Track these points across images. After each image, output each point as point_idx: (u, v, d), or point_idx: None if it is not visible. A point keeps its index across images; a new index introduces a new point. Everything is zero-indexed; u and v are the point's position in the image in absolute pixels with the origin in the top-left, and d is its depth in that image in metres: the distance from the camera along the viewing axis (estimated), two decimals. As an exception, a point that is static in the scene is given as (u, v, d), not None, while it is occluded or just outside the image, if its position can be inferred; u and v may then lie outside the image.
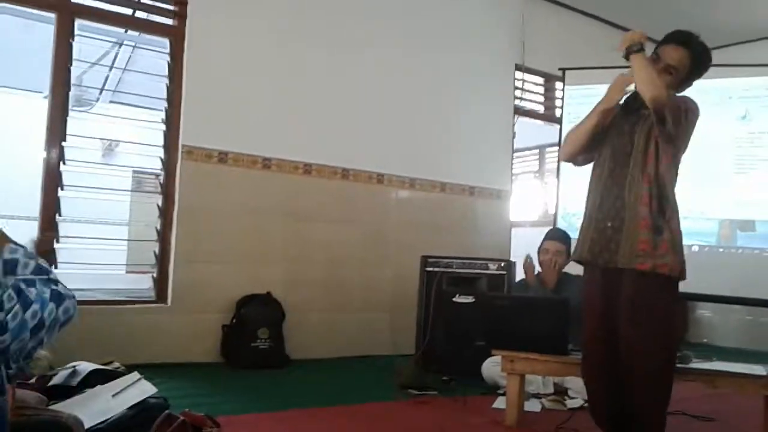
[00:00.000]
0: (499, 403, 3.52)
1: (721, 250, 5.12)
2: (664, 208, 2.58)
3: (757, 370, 2.93)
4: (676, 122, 2.53)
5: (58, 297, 1.31)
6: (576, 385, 3.49)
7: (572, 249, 3.91)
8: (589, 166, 2.88)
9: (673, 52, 2.65)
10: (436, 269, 4.74)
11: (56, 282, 1.35)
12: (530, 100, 6.68)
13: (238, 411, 3.20)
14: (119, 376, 2.80)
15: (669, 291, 2.61)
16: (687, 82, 2.72)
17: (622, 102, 2.77)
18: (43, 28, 6.52)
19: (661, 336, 2.56)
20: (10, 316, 1.23)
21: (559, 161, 3.24)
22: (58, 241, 4.13)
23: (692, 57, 2.65)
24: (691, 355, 3.04)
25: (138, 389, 2.57)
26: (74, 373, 2.91)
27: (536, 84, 6.74)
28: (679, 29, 2.72)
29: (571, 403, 3.54)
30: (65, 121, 4.24)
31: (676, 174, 2.68)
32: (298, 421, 3.20)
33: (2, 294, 1.24)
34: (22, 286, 1.27)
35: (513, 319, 3.27)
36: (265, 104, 4.86)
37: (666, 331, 2.59)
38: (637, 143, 2.65)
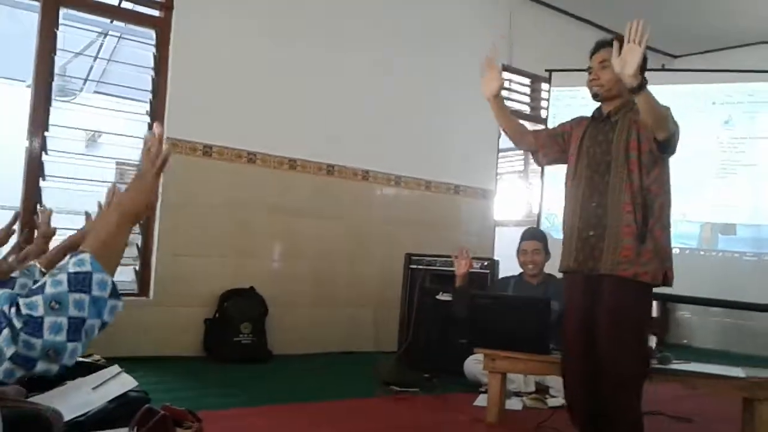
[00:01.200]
0: (481, 400, 3.54)
1: (702, 252, 5.17)
2: (647, 217, 2.60)
3: (736, 372, 2.97)
4: (675, 144, 2.60)
5: None
6: (557, 383, 3.51)
7: (548, 244, 4.01)
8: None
9: (598, 54, 2.74)
10: (420, 267, 4.75)
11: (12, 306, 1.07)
12: (516, 101, 6.71)
13: (220, 406, 3.19)
14: (100, 369, 2.77)
15: (645, 297, 2.67)
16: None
17: (591, 113, 2.83)
18: (27, 15, 6.44)
19: (635, 341, 2.61)
20: None
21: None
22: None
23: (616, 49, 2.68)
24: (670, 356, 3.08)
25: (118, 382, 2.54)
26: (54, 365, 2.87)
27: (523, 84, 6.77)
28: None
29: (551, 402, 3.56)
30: (48, 111, 4.20)
31: (668, 180, 2.70)
32: (280, 415, 3.20)
33: None
34: None
35: (495, 318, 3.28)
36: (250, 98, 4.83)
37: (640, 336, 2.65)
38: (616, 152, 2.66)
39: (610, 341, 2.58)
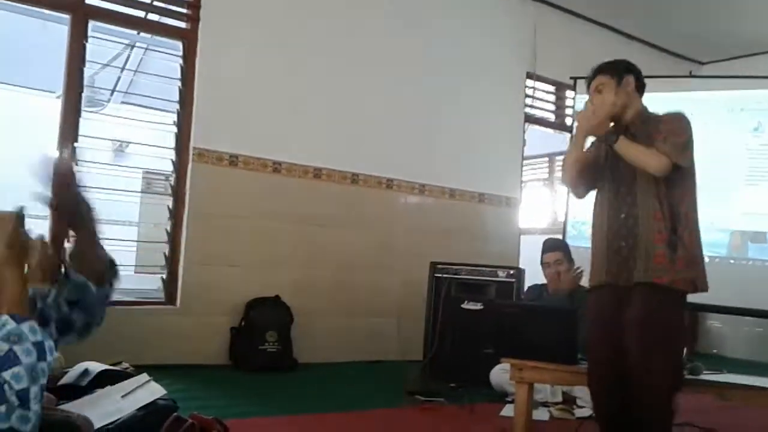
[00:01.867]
0: (507, 411, 3.51)
1: (731, 261, 5.10)
2: (676, 225, 2.58)
3: (768, 382, 2.91)
4: (687, 158, 2.61)
5: None
6: (585, 394, 3.46)
7: (570, 251, 3.98)
8: None
9: (591, 84, 2.80)
10: (445, 276, 4.73)
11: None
12: (541, 108, 6.68)
13: (246, 414, 3.20)
14: (128, 377, 2.80)
15: (678, 306, 2.62)
16: (623, 82, 2.74)
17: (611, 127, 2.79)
18: (56, 28, 6.56)
19: (666, 351, 2.55)
20: None
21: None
22: (69, 241, 4.14)
23: (603, 71, 2.78)
24: (701, 366, 3.02)
25: (147, 391, 2.56)
26: (84, 373, 2.91)
27: (547, 92, 6.73)
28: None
29: (579, 413, 3.53)
30: (77, 122, 4.26)
31: (694, 186, 2.69)
32: (305, 425, 3.20)
33: None
34: None
35: (522, 327, 3.25)
36: (275, 108, 4.87)
37: (672, 346, 2.59)
38: None
39: (640, 351, 2.53)
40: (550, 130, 6.91)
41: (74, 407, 2.39)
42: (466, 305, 4.53)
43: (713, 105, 5.05)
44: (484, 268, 4.74)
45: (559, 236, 5.19)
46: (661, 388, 2.53)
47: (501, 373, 3.84)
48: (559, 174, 8.33)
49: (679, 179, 2.62)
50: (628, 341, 2.56)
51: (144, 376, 2.68)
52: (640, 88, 2.80)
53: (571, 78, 5.86)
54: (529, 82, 6.41)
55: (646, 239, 2.59)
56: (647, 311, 2.54)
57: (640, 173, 2.64)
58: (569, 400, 3.72)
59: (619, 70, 2.77)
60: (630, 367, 2.55)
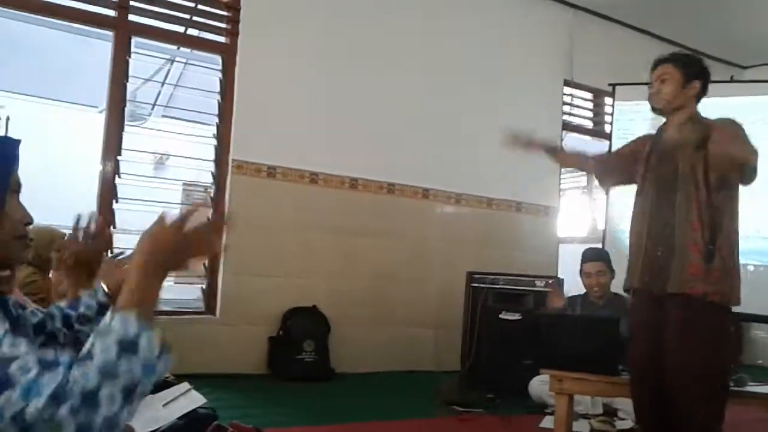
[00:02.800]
0: (547, 422, 3.47)
1: (777, 269, 4.96)
2: (715, 235, 2.51)
3: (818, 395, 2.82)
4: (752, 175, 2.53)
5: (59, 395, 1.01)
6: (626, 406, 3.40)
7: (611, 262, 3.91)
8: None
9: (657, 69, 2.72)
10: (482, 285, 4.70)
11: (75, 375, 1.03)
12: (579, 116, 6.61)
13: (284, 424, 3.23)
14: (170, 386, 2.84)
15: (719, 317, 2.54)
16: (689, 84, 2.66)
17: (658, 129, 2.78)
18: (98, 44, 6.74)
19: (710, 362, 2.49)
20: None
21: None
22: (111, 253, 4.23)
23: (675, 63, 2.69)
24: (746, 377, 2.95)
25: (188, 399, 2.59)
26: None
27: (585, 99, 6.67)
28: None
29: (620, 425, 3.47)
30: (121, 136, 4.36)
31: (737, 197, 2.62)
32: (344, 435, 3.21)
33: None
34: (14, 367, 1.02)
35: (562, 338, 3.21)
36: (312, 120, 4.92)
37: (715, 358, 2.51)
38: (682, 169, 2.59)
39: (680, 363, 2.49)
40: (588, 138, 6.83)
41: (117, 415, 2.42)
42: (503, 315, 4.50)
43: (755, 109, 4.93)
44: (521, 278, 4.70)
45: (599, 245, 5.11)
46: (703, 397, 2.47)
47: (540, 385, 3.79)
48: (597, 182, 8.23)
49: (723, 189, 2.56)
50: (667, 354, 2.51)
51: (185, 385, 2.71)
52: (700, 95, 2.72)
53: (609, 85, 5.79)
54: (567, 90, 6.35)
55: (682, 248, 2.54)
56: (683, 323, 2.50)
57: (681, 180, 2.59)
58: (610, 412, 3.65)
59: (690, 70, 2.67)
60: (672, 379, 2.50)
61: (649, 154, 2.75)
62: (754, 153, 2.45)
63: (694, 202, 2.54)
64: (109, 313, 1.10)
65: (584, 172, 3.05)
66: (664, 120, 2.77)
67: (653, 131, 2.84)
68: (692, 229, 2.53)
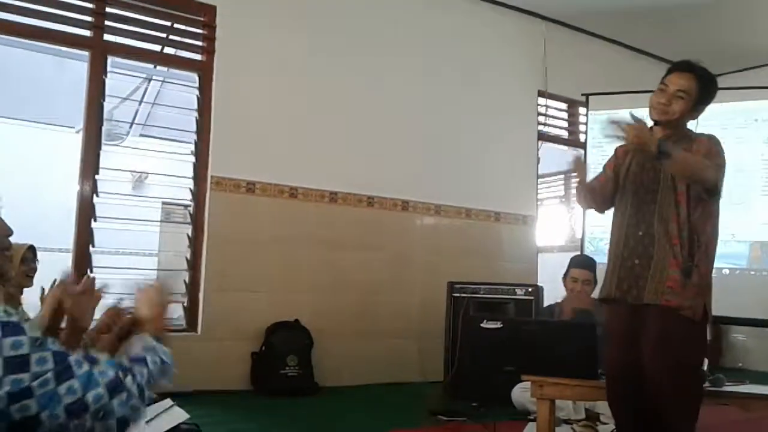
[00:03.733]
0: (530, 429, 3.49)
1: (752, 272, 5.05)
2: (693, 251, 2.53)
3: (793, 393, 2.87)
4: (721, 185, 2.54)
5: (116, 387, 1.18)
6: (608, 410, 3.44)
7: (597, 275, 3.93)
8: None
9: (679, 78, 2.62)
10: (463, 295, 4.74)
11: (127, 373, 1.24)
12: (554, 126, 6.70)
13: (269, 438, 3.22)
14: (153, 403, 2.83)
15: (692, 328, 2.55)
16: (698, 107, 2.66)
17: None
18: (73, 65, 6.72)
19: (683, 373, 2.51)
20: (37, 381, 1.10)
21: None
22: (91, 272, 4.22)
23: (698, 81, 2.61)
24: (723, 378, 3.00)
25: (171, 416, 2.60)
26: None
27: (560, 110, 6.76)
28: (683, 59, 2.71)
29: (603, 429, 3.50)
30: (98, 155, 4.36)
31: (717, 213, 2.63)
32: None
33: (32, 353, 1.11)
34: (72, 359, 1.16)
35: (542, 344, 3.24)
36: (290, 135, 4.94)
37: (689, 366, 2.54)
38: (664, 181, 2.61)
39: (657, 366, 2.52)
40: (564, 147, 6.93)
41: (100, 433, 2.42)
42: (485, 324, 4.52)
43: (727, 116, 5.04)
44: (502, 287, 4.75)
45: (577, 253, 5.17)
46: (679, 405, 2.50)
47: (522, 392, 3.83)
48: (574, 191, 8.32)
49: (703, 205, 2.57)
50: (643, 357, 2.55)
51: (167, 402, 2.71)
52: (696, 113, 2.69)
53: (582, 95, 5.88)
54: (541, 101, 6.44)
55: (661, 262, 2.55)
56: (659, 333, 2.52)
57: (662, 192, 2.60)
58: (592, 417, 3.69)
59: (707, 94, 2.62)
60: (648, 386, 2.53)
61: (630, 164, 2.75)
62: (712, 171, 2.47)
63: (674, 215, 2.55)
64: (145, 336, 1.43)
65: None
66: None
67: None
68: (672, 243, 2.54)
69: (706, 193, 2.53)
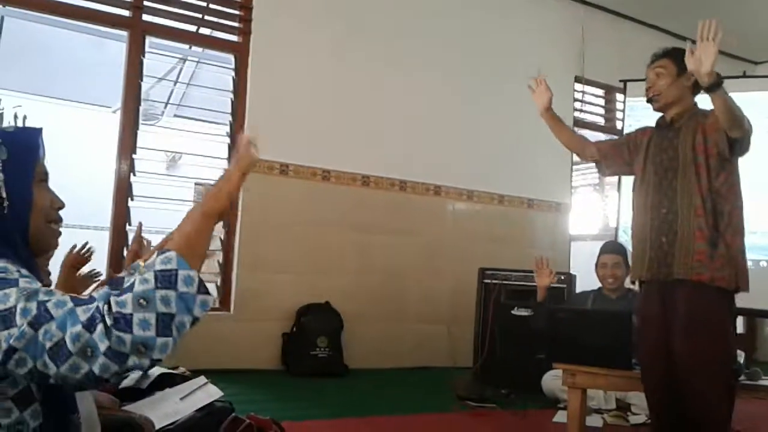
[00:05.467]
0: (560, 417, 3.48)
1: (791, 265, 4.94)
2: (717, 222, 2.54)
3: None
4: (747, 144, 2.54)
5: (93, 319, 1.07)
6: (639, 400, 3.42)
7: (628, 260, 3.90)
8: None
9: (654, 66, 2.77)
10: (495, 281, 4.72)
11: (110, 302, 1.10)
12: (590, 112, 6.61)
13: (299, 417, 3.25)
14: (187, 380, 2.87)
15: (725, 304, 2.56)
16: (683, 75, 2.67)
17: (656, 121, 2.81)
18: (110, 45, 6.79)
19: (716, 348, 2.50)
20: (18, 334, 1.06)
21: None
22: (128, 250, 4.27)
23: (668, 56, 2.74)
24: (759, 372, 2.95)
25: (205, 393, 2.63)
26: (144, 376, 3.00)
27: (596, 96, 6.66)
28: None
29: (633, 419, 3.48)
30: (135, 135, 4.41)
31: (739, 183, 2.63)
32: (357, 429, 3.24)
33: (17, 306, 1.09)
34: (52, 301, 1.10)
35: (574, 332, 3.22)
36: (324, 117, 4.95)
37: (721, 343, 2.53)
38: (683, 155, 2.62)
39: (687, 350, 2.49)
40: (600, 134, 6.82)
41: (136, 408, 2.47)
42: (516, 311, 4.51)
43: (761, 106, 4.92)
44: (533, 274, 4.70)
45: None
46: (711, 383, 2.48)
47: (553, 380, 3.81)
48: (609, 179, 8.21)
49: (724, 174, 2.57)
50: (674, 341, 2.53)
51: (201, 379, 2.75)
52: (696, 87, 2.67)
53: (620, 81, 5.79)
54: (578, 86, 6.35)
55: (687, 235, 2.56)
56: (690, 308, 2.51)
57: (681, 167, 2.61)
58: (623, 407, 3.66)
59: (681, 59, 2.60)
60: (678, 365, 2.51)
61: (648, 145, 2.78)
62: (746, 120, 2.46)
63: (696, 187, 2.56)
64: (154, 254, 1.17)
65: (570, 146, 3.10)
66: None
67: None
68: (696, 215, 2.55)
69: (730, 148, 2.52)
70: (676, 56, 2.70)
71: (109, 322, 1.07)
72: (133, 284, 1.12)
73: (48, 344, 1.06)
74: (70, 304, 1.09)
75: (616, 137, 5.97)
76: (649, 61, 2.82)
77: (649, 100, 2.78)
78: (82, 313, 1.08)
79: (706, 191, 2.55)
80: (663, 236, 2.62)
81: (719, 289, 2.51)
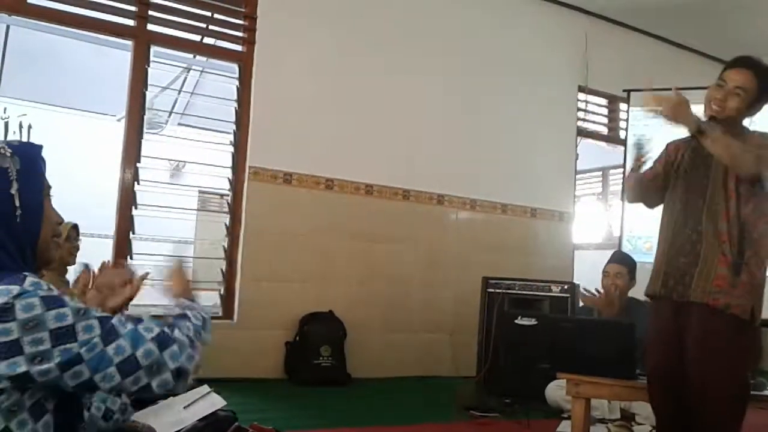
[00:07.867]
0: (564, 427, 3.47)
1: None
2: (743, 248, 2.47)
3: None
4: (764, 172, 2.45)
5: (164, 340, 1.25)
6: (644, 410, 3.40)
7: (635, 271, 3.88)
8: None
9: (737, 74, 2.53)
10: (498, 291, 4.71)
11: (173, 328, 1.31)
12: (593, 122, 6.61)
13: (303, 426, 3.25)
14: (190, 389, 2.87)
15: (739, 331, 2.49)
16: (756, 105, 2.57)
17: (691, 135, 2.61)
18: (116, 54, 6.82)
19: (730, 379, 2.45)
20: (85, 347, 1.15)
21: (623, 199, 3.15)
22: (131, 258, 4.29)
23: (757, 78, 2.52)
24: (765, 382, 2.94)
25: (208, 402, 2.62)
26: (147, 385, 2.99)
27: (600, 105, 6.67)
28: (743, 55, 2.61)
29: (638, 429, 3.46)
30: (140, 143, 4.42)
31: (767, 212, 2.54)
32: (361, 438, 3.23)
33: (77, 322, 1.17)
34: (115, 320, 1.22)
35: (578, 342, 3.21)
36: (328, 127, 4.96)
37: (735, 368, 2.48)
38: (715, 177, 2.55)
39: (700, 377, 2.45)
40: (603, 144, 6.83)
41: (140, 417, 2.46)
42: (519, 320, 4.50)
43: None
44: (537, 283, 4.70)
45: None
46: (722, 408, 2.45)
47: (556, 389, 3.79)
48: (612, 188, 8.21)
49: (754, 200, 2.50)
50: (687, 364, 2.50)
51: (205, 388, 2.74)
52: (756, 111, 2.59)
53: (624, 91, 5.79)
54: (581, 96, 6.36)
55: (709, 259, 2.50)
56: (704, 333, 2.47)
57: (711, 188, 2.54)
58: (628, 417, 3.64)
59: (767, 91, 2.50)
60: (692, 388, 2.48)
61: (681, 160, 2.70)
62: (752, 158, 2.39)
63: (723, 211, 2.49)
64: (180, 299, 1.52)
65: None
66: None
67: (669, 137, 2.81)
68: (721, 240, 2.48)
69: (749, 182, 2.47)
70: (762, 76, 2.52)
71: (185, 341, 1.30)
72: (187, 315, 1.42)
73: (117, 359, 1.18)
74: (131, 324, 1.23)
75: (621, 147, 6.00)
76: (730, 64, 2.57)
77: (711, 115, 2.53)
78: (147, 333, 1.24)
79: (734, 217, 2.48)
80: (682, 256, 2.56)
81: (733, 317, 2.45)
